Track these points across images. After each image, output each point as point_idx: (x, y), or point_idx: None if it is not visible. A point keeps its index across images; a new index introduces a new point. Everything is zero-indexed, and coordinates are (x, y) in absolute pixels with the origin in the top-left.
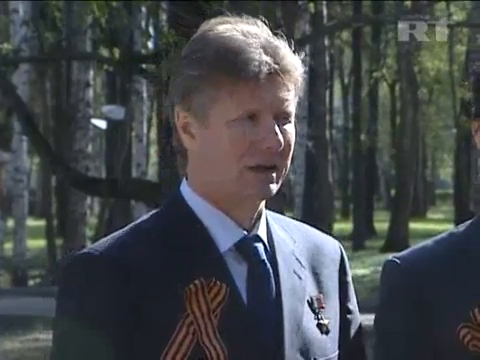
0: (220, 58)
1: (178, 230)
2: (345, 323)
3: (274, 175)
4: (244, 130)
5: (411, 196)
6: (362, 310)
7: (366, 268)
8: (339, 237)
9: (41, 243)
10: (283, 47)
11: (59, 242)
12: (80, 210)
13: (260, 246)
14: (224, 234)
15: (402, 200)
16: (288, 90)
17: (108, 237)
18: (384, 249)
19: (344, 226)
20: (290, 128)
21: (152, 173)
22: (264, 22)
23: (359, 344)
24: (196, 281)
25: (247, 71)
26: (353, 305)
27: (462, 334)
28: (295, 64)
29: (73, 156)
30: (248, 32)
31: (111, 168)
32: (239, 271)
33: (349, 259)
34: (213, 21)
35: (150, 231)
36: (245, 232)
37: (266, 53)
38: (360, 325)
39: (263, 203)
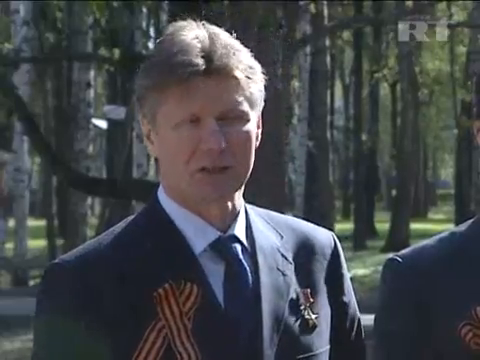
0: (160, 64)
1: (153, 233)
2: (340, 316)
3: (226, 176)
4: (187, 134)
5: (412, 196)
6: (362, 310)
7: (367, 268)
8: (340, 237)
9: (42, 243)
10: (229, 47)
11: (60, 242)
12: (81, 210)
13: (237, 246)
14: (198, 236)
15: (403, 200)
16: (234, 90)
17: (87, 242)
18: (385, 249)
19: (345, 226)
20: (245, 127)
21: (153, 173)
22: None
23: (357, 337)
24: (166, 285)
25: (180, 73)
26: (348, 298)
27: (463, 332)
28: (240, 62)
29: (74, 156)
30: (195, 36)
31: (112, 168)
32: (215, 272)
33: (350, 259)
34: (171, 27)
35: (127, 235)
36: (219, 233)
37: (203, 53)
38: (358, 317)
39: (238, 202)
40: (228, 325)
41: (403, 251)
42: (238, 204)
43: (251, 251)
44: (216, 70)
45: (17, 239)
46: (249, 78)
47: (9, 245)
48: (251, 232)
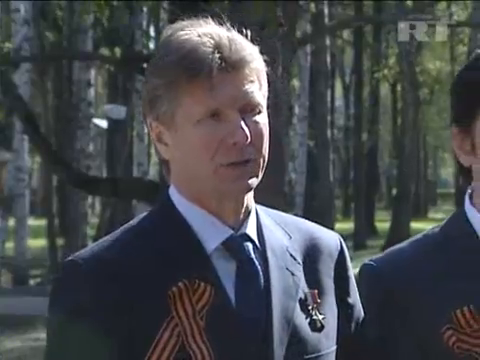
0: (175, 62)
1: (166, 232)
2: (346, 318)
3: (250, 169)
4: (210, 129)
5: (412, 195)
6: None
7: None
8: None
9: (42, 242)
10: (238, 41)
11: (60, 242)
12: (81, 209)
13: (248, 244)
14: (211, 234)
15: (403, 199)
16: (250, 82)
17: (100, 240)
18: (385, 248)
19: (345, 225)
20: (260, 119)
21: (153, 172)
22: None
23: (361, 338)
24: (180, 283)
25: (199, 69)
26: (353, 300)
27: (446, 336)
28: (251, 55)
29: (74, 155)
30: (203, 33)
31: (112, 167)
32: (227, 270)
33: (350, 258)
34: (173, 27)
35: (140, 234)
36: (232, 231)
37: (218, 49)
38: (363, 318)
39: (250, 200)
40: (240, 325)
41: (378, 255)
42: (250, 202)
43: (261, 250)
44: (233, 64)
45: (17, 238)
46: (261, 70)
47: (9, 244)
48: (261, 231)
